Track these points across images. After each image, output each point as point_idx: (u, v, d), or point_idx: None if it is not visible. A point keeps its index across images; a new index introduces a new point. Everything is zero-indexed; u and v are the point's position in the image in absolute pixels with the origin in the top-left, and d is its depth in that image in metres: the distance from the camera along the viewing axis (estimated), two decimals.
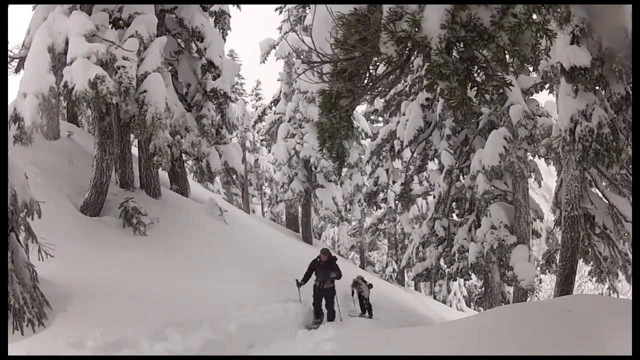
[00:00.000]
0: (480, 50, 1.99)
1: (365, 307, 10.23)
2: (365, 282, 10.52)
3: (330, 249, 8.98)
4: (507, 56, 1.98)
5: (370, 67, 2.50)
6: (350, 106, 2.56)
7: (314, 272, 9.03)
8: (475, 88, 2.00)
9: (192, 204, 12.15)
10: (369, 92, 2.65)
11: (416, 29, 1.92)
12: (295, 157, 19.19)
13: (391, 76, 2.43)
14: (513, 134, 10.25)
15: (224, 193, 26.38)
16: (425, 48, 1.90)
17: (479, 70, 2.04)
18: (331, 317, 8.98)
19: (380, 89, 2.63)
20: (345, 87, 2.43)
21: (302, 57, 17.31)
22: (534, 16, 1.95)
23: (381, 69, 2.56)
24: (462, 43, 1.96)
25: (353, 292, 10.66)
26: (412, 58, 2.20)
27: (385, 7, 2.02)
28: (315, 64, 2.52)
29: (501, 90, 2.00)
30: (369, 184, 21.01)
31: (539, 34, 1.89)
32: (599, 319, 4.22)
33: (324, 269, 8.93)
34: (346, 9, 2.27)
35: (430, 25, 1.94)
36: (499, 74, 2.00)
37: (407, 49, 1.99)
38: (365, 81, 2.53)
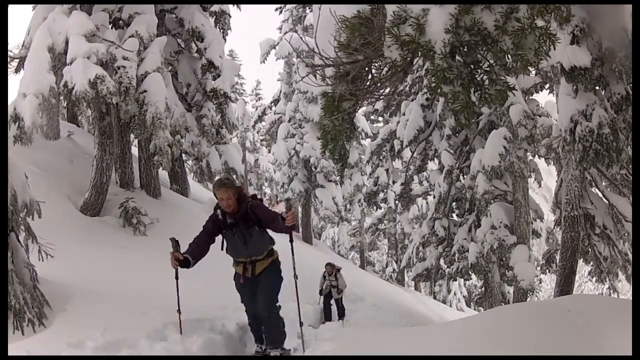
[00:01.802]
0: (484, 55, 2.00)
1: (337, 311, 8.63)
2: (339, 278, 8.64)
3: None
4: (510, 60, 1.99)
5: (373, 69, 2.52)
6: (353, 109, 2.58)
7: (223, 245, 4.52)
8: (479, 92, 2.01)
9: (192, 204, 12.14)
10: (371, 95, 2.66)
11: (420, 33, 1.94)
12: (295, 157, 19.22)
13: (393, 78, 2.45)
14: (513, 134, 10.26)
15: None
16: (429, 52, 1.91)
17: (482, 75, 2.05)
18: (273, 338, 4.66)
19: (383, 91, 2.65)
20: (348, 90, 2.44)
21: (302, 57, 17.32)
22: (537, 21, 1.97)
23: (384, 70, 2.58)
24: (465, 47, 1.98)
25: (321, 289, 8.63)
26: (415, 60, 2.22)
27: (389, 11, 2.04)
28: (319, 67, 2.54)
29: (505, 95, 2.01)
30: (369, 184, 21.04)
31: (541, 39, 1.90)
32: (599, 319, 4.22)
33: (240, 228, 4.34)
34: (349, 12, 2.29)
35: (434, 30, 1.95)
36: (502, 78, 2.02)
37: (411, 52, 2.01)
38: (368, 84, 2.54)
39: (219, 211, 4.53)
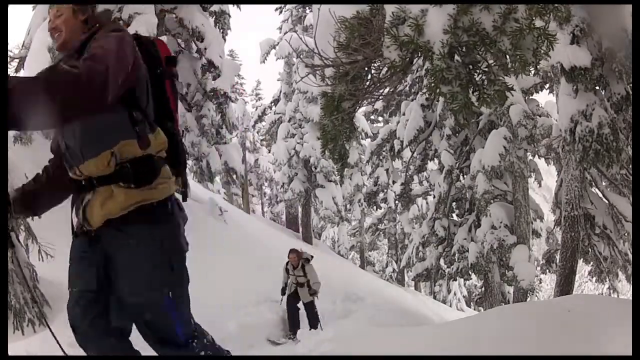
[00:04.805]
0: (483, 55, 2.01)
1: (308, 319, 6.69)
2: (308, 274, 6.41)
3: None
4: (509, 60, 2.00)
5: (373, 70, 2.53)
6: (353, 108, 2.59)
7: None
8: (477, 92, 2.02)
9: (192, 204, 12.15)
10: (371, 95, 2.68)
11: (419, 34, 1.95)
12: (295, 157, 19.22)
13: (393, 78, 2.46)
14: (513, 134, 10.26)
15: (224, 193, 26.41)
16: (428, 52, 1.92)
17: (481, 75, 2.07)
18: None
19: (383, 91, 2.66)
20: (347, 90, 2.45)
21: (302, 57, 17.33)
22: (536, 21, 1.98)
23: (383, 71, 2.59)
24: (464, 47, 1.99)
25: (284, 287, 6.53)
26: (415, 61, 2.23)
27: (388, 12, 2.05)
28: (318, 67, 2.55)
29: (504, 95, 2.03)
30: (369, 184, 21.03)
31: (540, 39, 1.91)
32: (599, 319, 4.22)
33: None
34: (349, 12, 2.30)
35: (433, 30, 1.96)
36: (501, 78, 2.03)
37: (410, 53, 2.02)
38: (367, 84, 2.55)
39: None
